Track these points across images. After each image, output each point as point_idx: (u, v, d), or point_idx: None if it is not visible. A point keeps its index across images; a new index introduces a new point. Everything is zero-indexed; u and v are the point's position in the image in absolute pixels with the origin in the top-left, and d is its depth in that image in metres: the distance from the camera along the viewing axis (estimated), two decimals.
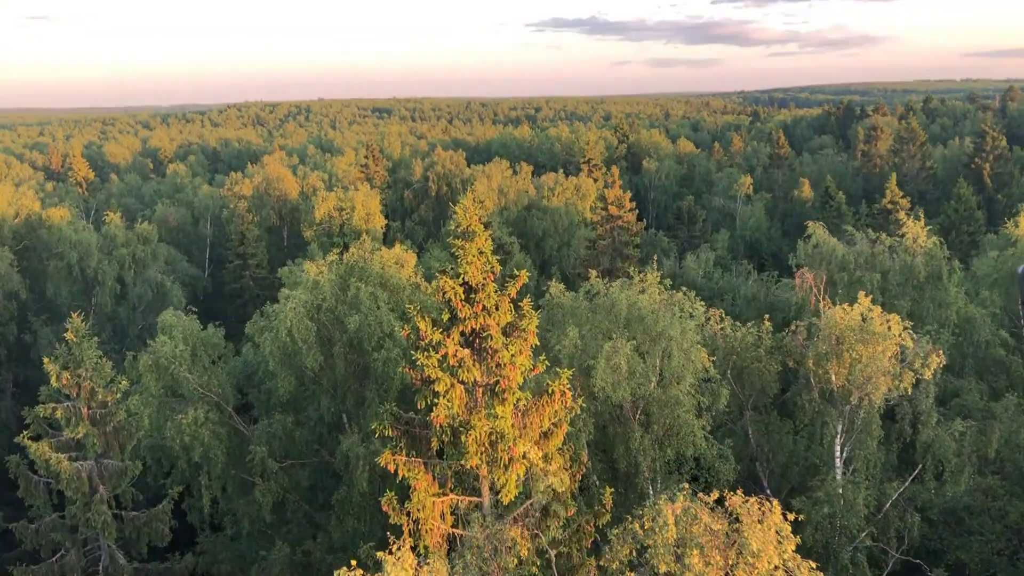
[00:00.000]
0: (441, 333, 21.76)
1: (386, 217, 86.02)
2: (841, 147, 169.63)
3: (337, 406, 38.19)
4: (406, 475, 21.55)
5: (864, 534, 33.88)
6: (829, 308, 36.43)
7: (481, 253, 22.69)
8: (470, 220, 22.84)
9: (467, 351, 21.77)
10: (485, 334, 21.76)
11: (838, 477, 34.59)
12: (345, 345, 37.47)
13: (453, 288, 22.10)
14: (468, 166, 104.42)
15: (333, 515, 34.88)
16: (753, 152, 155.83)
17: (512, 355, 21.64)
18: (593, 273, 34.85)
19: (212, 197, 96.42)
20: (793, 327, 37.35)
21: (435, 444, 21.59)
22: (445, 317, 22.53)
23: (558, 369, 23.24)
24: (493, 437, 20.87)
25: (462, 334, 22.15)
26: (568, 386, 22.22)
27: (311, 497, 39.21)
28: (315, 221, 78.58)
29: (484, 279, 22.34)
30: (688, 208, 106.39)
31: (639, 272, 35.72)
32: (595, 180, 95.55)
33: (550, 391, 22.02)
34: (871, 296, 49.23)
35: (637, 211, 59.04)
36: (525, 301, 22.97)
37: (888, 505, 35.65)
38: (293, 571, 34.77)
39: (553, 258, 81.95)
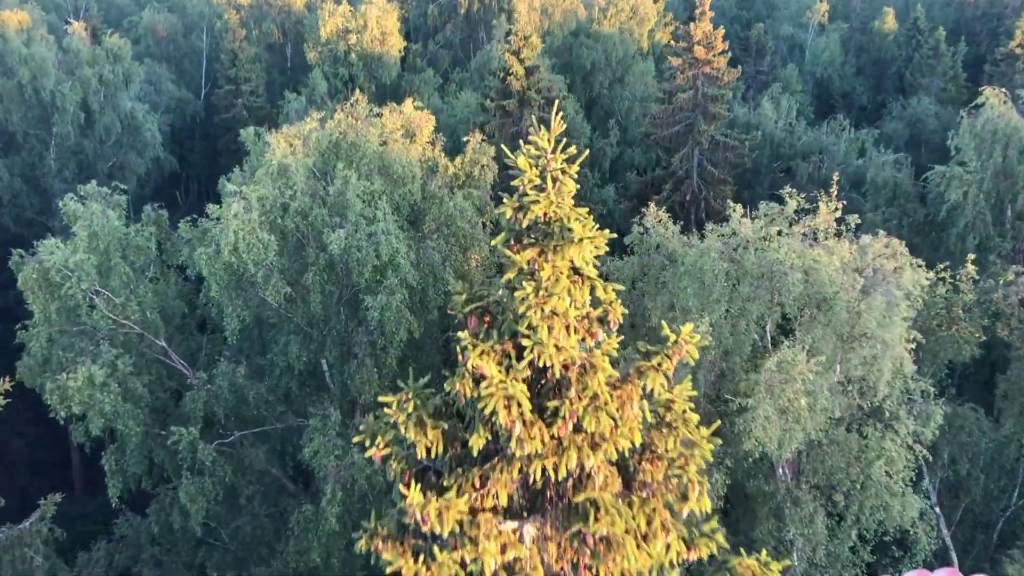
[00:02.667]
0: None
1: (406, 37, 69.77)
2: None
3: (312, 353, 25.05)
4: None
5: None
6: None
7: (579, 276, 8.59)
8: (559, 202, 8.54)
9: None
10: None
11: None
12: (323, 271, 23.84)
13: (508, 399, 8.05)
14: None
15: (292, 538, 22.48)
16: None
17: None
18: (737, 211, 20.22)
19: (208, 3, 79.73)
20: (1012, 276, 23.38)
21: None
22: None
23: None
24: None
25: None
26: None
27: (280, 461, 26.82)
28: (320, 40, 62.63)
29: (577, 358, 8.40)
30: (758, 38, 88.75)
31: (791, 191, 21.64)
32: (655, 1, 77.86)
33: None
34: None
35: (728, 53, 43.46)
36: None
37: None
38: None
39: (603, 98, 66.22)
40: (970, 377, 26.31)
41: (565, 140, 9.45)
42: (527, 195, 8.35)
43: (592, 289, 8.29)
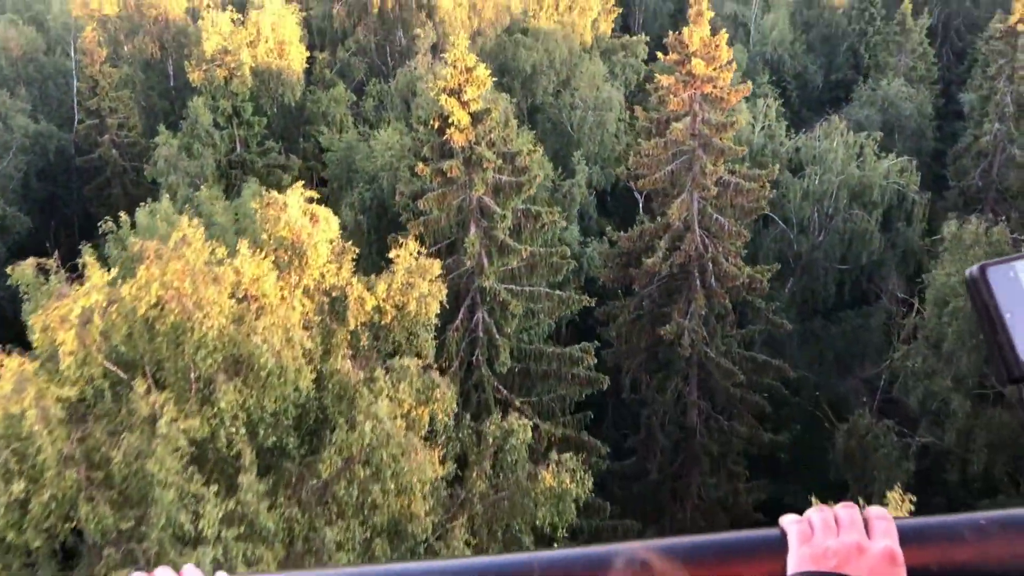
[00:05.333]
0: None
1: (310, 46, 55.91)
2: None
3: None
4: None
5: None
6: None
7: None
8: None
9: None
10: None
11: None
12: None
13: None
14: None
15: None
16: None
17: None
18: None
19: (72, 15, 64.29)
20: None
21: None
22: None
23: None
24: None
25: None
26: None
27: None
28: (204, 57, 48.46)
29: None
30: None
31: None
32: None
33: None
34: None
35: (734, 64, 31.13)
36: None
37: None
38: None
39: (547, 106, 53.66)
40: None
41: None
42: None
43: None
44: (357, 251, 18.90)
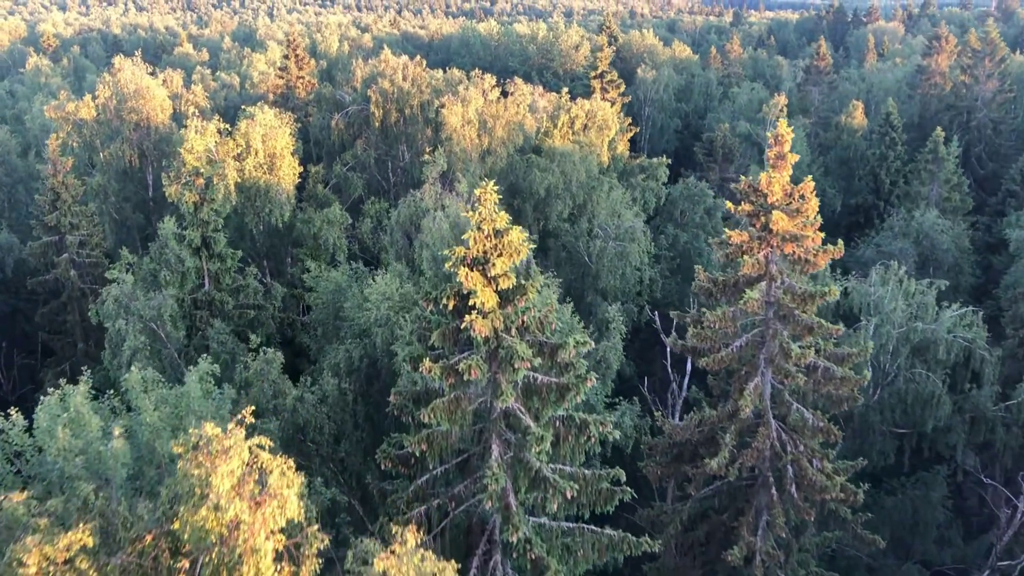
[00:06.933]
0: None
1: (304, 158, 49.89)
2: (841, 57, 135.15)
3: None
4: None
5: None
6: None
7: None
8: None
9: None
10: None
11: None
12: None
13: None
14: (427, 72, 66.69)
15: None
16: (752, 60, 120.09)
17: None
18: None
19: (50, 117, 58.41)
20: None
21: None
22: None
23: None
24: None
25: None
26: None
27: None
28: (184, 169, 42.16)
29: None
30: (724, 140, 71.85)
31: None
32: (612, 104, 60.05)
33: None
34: None
35: (819, 218, 24.53)
36: None
37: None
38: None
39: (563, 232, 47.32)
40: None
41: None
42: None
43: None
44: (326, 541, 11.58)
